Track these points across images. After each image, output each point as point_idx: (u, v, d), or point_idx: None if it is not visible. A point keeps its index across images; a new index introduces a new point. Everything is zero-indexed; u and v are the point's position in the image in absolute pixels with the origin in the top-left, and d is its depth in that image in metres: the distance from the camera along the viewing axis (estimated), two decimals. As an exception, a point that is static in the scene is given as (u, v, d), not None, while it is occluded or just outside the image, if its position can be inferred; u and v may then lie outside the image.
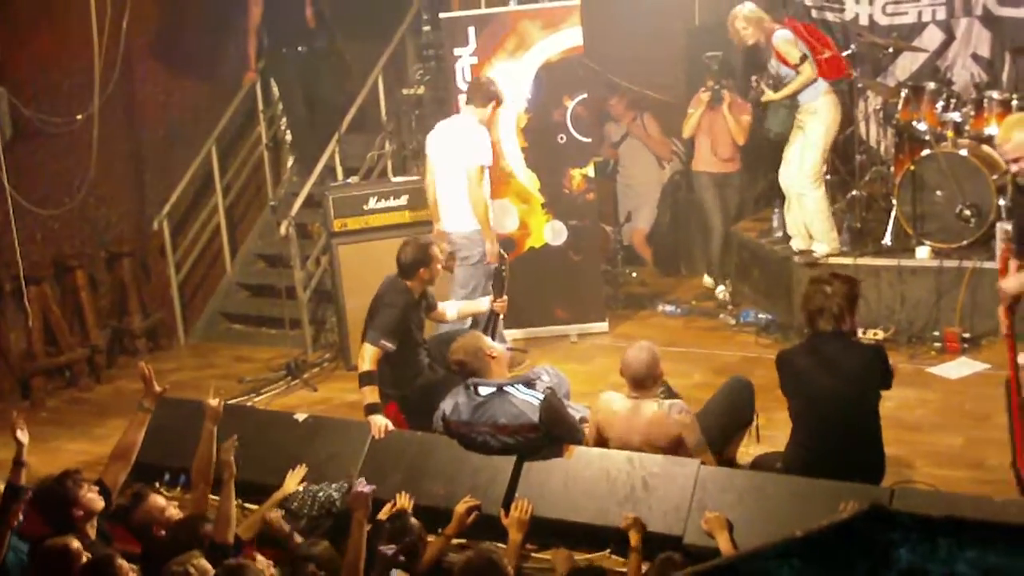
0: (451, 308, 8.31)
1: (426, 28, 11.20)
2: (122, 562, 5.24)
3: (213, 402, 6.66)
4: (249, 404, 8.83)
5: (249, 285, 11.45)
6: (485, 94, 8.85)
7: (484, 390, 6.74)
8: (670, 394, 6.89)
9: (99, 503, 5.98)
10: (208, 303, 11.38)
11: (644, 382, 6.56)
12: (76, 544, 5.40)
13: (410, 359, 7.70)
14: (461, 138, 8.84)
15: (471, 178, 8.72)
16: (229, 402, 8.58)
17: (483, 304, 8.44)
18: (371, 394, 7.23)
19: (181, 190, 10.92)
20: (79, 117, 9.89)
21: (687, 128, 10.34)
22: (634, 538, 5.95)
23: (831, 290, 6.26)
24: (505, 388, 6.70)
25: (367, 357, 7.39)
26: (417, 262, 7.64)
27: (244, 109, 11.42)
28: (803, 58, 9.07)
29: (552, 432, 6.61)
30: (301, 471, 6.78)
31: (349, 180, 10.37)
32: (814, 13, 10.69)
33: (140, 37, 10.58)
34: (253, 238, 11.62)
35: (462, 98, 9.25)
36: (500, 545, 6.16)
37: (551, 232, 9.85)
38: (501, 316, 8.29)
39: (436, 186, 9.01)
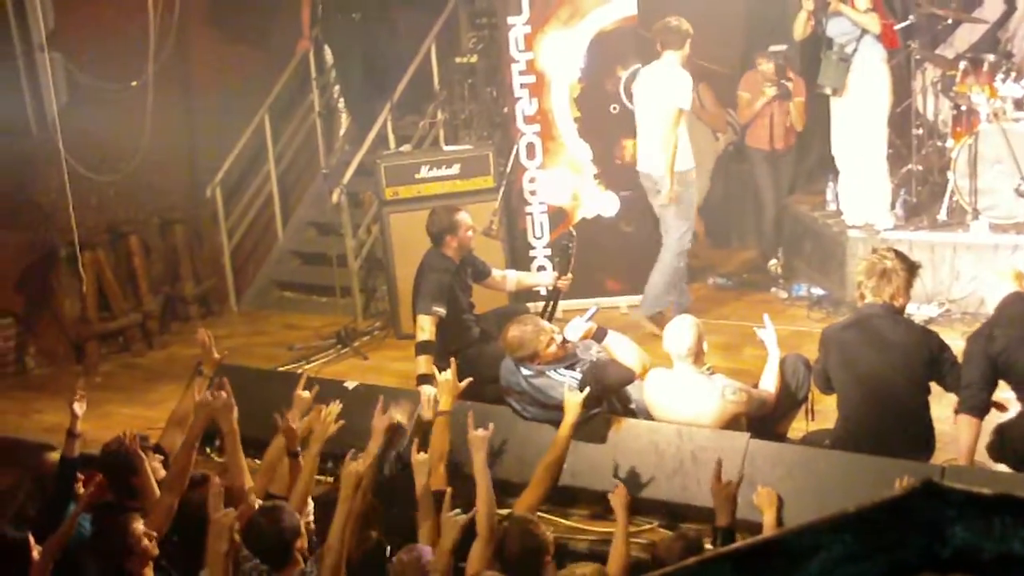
0: (511, 276, 8.37)
1: (480, -3, 11.16)
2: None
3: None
4: (299, 371, 8.87)
5: (301, 253, 11.49)
6: (681, 35, 8.99)
7: (526, 371, 6.76)
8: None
9: (161, 472, 6.01)
10: (260, 271, 11.44)
11: (687, 359, 6.53)
12: (139, 526, 5.41)
13: (457, 326, 7.72)
14: (665, 82, 9.02)
15: (670, 119, 8.94)
16: (280, 369, 8.70)
17: (545, 278, 8.49)
18: (426, 364, 7.24)
19: (234, 158, 10.95)
20: (134, 84, 9.91)
21: (746, 115, 10.27)
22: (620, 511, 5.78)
23: (891, 264, 6.21)
24: (547, 371, 6.71)
25: (424, 326, 7.45)
26: (443, 230, 7.75)
27: (297, 77, 11.42)
28: (870, 9, 9.03)
29: (605, 387, 6.58)
30: (336, 408, 6.23)
31: (401, 149, 10.37)
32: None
33: (195, 4, 10.61)
34: (305, 206, 11.64)
35: (658, 45, 9.16)
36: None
37: (603, 203, 9.81)
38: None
39: (639, 129, 9.25)
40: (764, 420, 6.63)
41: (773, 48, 10.04)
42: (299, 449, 6.08)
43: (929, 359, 6.21)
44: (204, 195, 10.85)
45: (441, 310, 7.49)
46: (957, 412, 6.18)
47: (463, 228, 7.78)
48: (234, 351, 9.17)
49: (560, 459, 6.10)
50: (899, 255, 6.35)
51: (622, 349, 6.95)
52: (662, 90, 9.04)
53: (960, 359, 6.24)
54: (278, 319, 10.72)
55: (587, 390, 6.29)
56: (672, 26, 9.04)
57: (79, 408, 6.06)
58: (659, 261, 9.24)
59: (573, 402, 6.20)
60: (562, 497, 6.41)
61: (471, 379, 6.55)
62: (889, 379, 6.19)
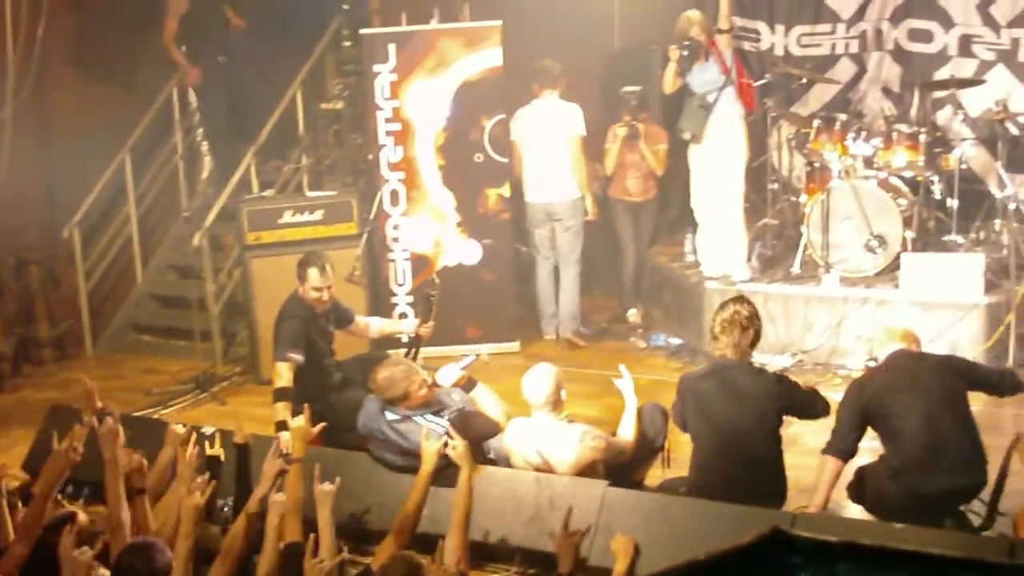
0: (374, 324, 8.38)
1: (346, 44, 11.18)
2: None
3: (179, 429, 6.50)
4: (155, 417, 8.74)
5: (160, 296, 11.33)
6: (555, 75, 9.91)
7: (391, 415, 6.77)
8: None
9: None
10: (118, 313, 11.24)
11: (545, 407, 6.60)
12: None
13: (318, 373, 7.70)
14: (558, 114, 9.93)
15: (575, 148, 9.86)
16: (135, 414, 8.56)
17: (407, 325, 8.53)
18: (283, 411, 7.19)
19: (93, 198, 10.80)
20: (-9, 122, 9.75)
21: (608, 165, 10.46)
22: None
23: (748, 315, 6.36)
24: (413, 417, 6.73)
25: (280, 373, 7.43)
26: (299, 277, 7.74)
27: (160, 118, 11.31)
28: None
29: (469, 437, 6.61)
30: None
31: (265, 193, 10.32)
32: (733, 43, 10.84)
33: (56, 43, 10.45)
34: (166, 249, 11.49)
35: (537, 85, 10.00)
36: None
37: (465, 251, 9.89)
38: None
39: (527, 162, 10.01)
40: (622, 467, 6.70)
41: (627, 89, 10.23)
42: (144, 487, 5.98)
43: (784, 407, 6.38)
44: (61, 235, 10.66)
45: (298, 356, 7.47)
46: (823, 452, 6.36)
47: (307, 284, 7.68)
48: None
49: (419, 506, 6.10)
50: (751, 305, 6.51)
51: (487, 401, 7.03)
52: (558, 122, 9.91)
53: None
54: (135, 363, 10.54)
55: (443, 439, 6.30)
56: (547, 66, 9.84)
57: None
58: (566, 282, 10.19)
59: (430, 451, 6.21)
60: (422, 544, 6.39)
61: (325, 424, 6.53)
62: (743, 429, 6.30)
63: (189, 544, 5.08)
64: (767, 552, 2.38)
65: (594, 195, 10.28)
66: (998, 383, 6.49)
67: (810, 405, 6.48)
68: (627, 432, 6.73)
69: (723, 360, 6.40)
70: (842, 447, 6.29)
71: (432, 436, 6.34)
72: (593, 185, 10.64)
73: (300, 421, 6.37)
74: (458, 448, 6.15)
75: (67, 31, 10.69)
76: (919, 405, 6.17)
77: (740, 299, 6.57)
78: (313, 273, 7.70)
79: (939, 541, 5.74)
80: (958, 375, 6.40)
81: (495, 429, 6.83)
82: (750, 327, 6.36)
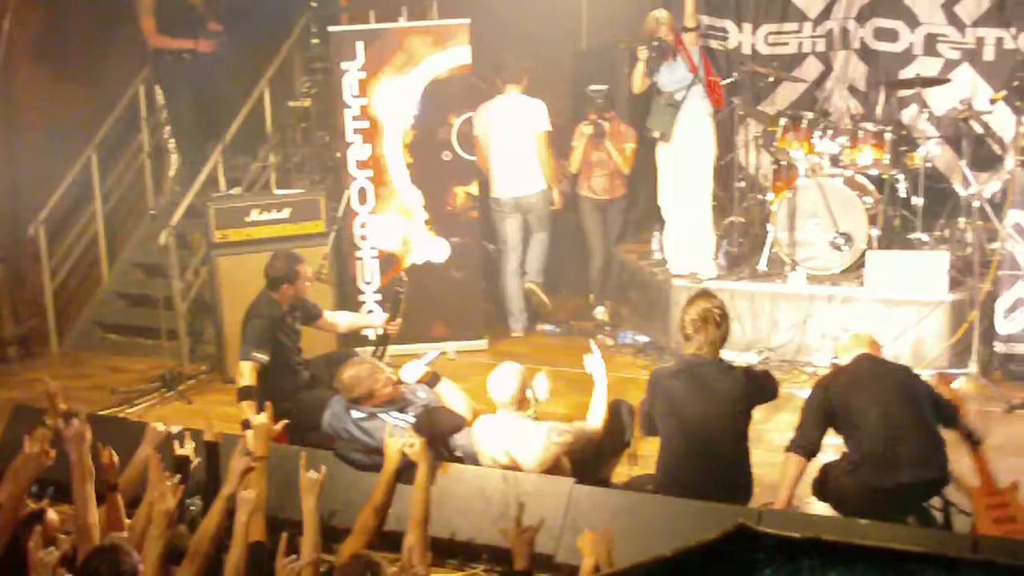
0: (342, 319, 8.41)
1: (314, 41, 11.16)
2: None
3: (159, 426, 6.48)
4: (121, 415, 8.71)
5: (126, 294, 11.28)
6: (519, 70, 10.08)
7: (357, 413, 6.78)
8: None
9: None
10: (83, 312, 11.19)
11: (510, 406, 6.62)
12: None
13: (283, 372, 7.69)
14: (520, 110, 10.09)
15: (542, 142, 10.03)
16: (100, 413, 8.52)
17: (375, 320, 8.57)
18: (248, 409, 7.19)
19: (59, 196, 10.73)
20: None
21: (573, 163, 10.50)
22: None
23: (719, 312, 6.39)
24: (378, 414, 6.74)
25: (243, 372, 7.48)
26: (280, 278, 7.73)
27: (127, 116, 11.26)
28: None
29: (435, 433, 6.62)
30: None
31: (232, 191, 10.29)
32: (700, 41, 10.89)
33: (21, 40, 10.39)
34: (132, 247, 11.43)
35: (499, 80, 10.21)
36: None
37: (433, 248, 9.90)
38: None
39: (493, 157, 10.13)
40: (587, 463, 6.72)
41: (592, 87, 10.27)
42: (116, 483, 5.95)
43: (754, 402, 6.46)
44: (27, 233, 10.60)
45: (263, 356, 7.49)
46: (787, 449, 6.39)
47: (302, 279, 7.79)
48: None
49: (384, 504, 6.10)
50: (718, 299, 6.54)
51: (452, 396, 7.04)
52: (522, 117, 10.07)
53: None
54: (101, 362, 10.49)
55: (404, 438, 6.29)
56: (509, 62, 9.99)
57: None
58: (535, 244, 10.41)
59: (394, 448, 6.21)
60: (389, 542, 6.40)
61: (287, 421, 6.53)
62: (712, 428, 6.31)
63: (159, 549, 5.06)
64: (732, 549, 2.39)
65: (561, 192, 10.34)
66: (945, 406, 6.50)
67: (771, 389, 6.58)
68: (597, 412, 6.75)
69: (695, 358, 6.41)
70: (805, 444, 6.33)
71: (396, 434, 6.35)
72: (562, 183, 10.67)
73: (262, 419, 6.36)
74: (416, 447, 6.14)
75: (33, 27, 10.63)
76: (879, 402, 6.23)
77: (707, 294, 6.59)
78: (305, 268, 7.82)
79: (902, 537, 5.79)
80: (919, 380, 6.50)
81: (460, 424, 6.84)
82: (723, 323, 6.40)
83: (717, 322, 6.36)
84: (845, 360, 6.57)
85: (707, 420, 6.31)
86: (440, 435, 6.76)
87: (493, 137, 10.11)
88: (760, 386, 6.50)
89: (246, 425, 7.07)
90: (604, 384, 6.83)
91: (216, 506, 5.48)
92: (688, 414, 6.34)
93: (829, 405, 6.31)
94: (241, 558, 5.37)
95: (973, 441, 6.39)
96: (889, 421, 6.18)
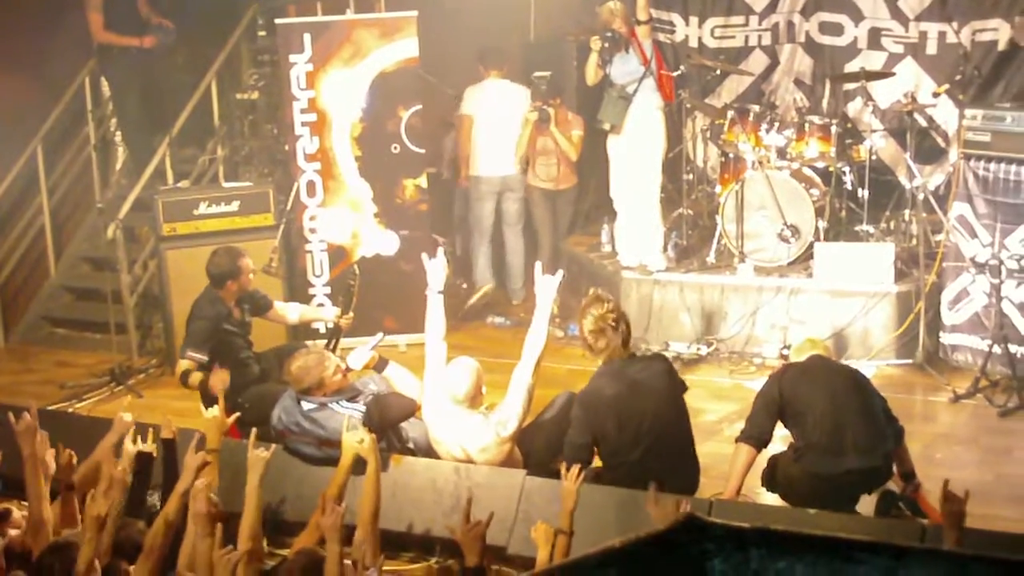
0: (292, 310, 8.40)
1: (262, 33, 11.13)
2: None
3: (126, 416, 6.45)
4: (71, 411, 8.65)
5: (74, 288, 11.19)
6: (501, 57, 10.45)
7: (307, 404, 6.77)
8: None
9: None
10: (30, 306, 11.08)
11: (463, 402, 6.64)
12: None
13: (234, 366, 7.67)
14: (508, 94, 10.45)
15: (527, 126, 10.27)
16: (49, 408, 8.46)
17: (327, 313, 8.55)
18: (194, 378, 7.38)
19: (4, 190, 10.64)
20: None
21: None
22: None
23: (615, 315, 6.45)
24: (328, 404, 6.73)
25: (183, 366, 7.58)
26: (223, 275, 7.73)
27: (73, 108, 11.16)
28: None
29: (385, 420, 6.63)
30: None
31: (180, 184, 10.24)
32: (652, 35, 10.93)
33: (-36, 32, 10.29)
34: (79, 240, 11.35)
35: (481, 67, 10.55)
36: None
37: (383, 241, 9.89)
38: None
39: (479, 137, 10.47)
40: (541, 455, 6.75)
41: (537, 74, 10.30)
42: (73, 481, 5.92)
43: (680, 381, 6.62)
44: (-29, 227, 10.51)
45: (201, 357, 7.53)
46: (737, 440, 6.46)
47: (245, 273, 7.78)
48: (1, 389, 8.92)
49: (339, 497, 6.10)
50: (610, 300, 6.56)
51: (401, 378, 7.05)
52: (511, 101, 10.40)
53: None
54: (49, 356, 10.41)
55: (363, 433, 6.28)
56: (494, 49, 10.36)
57: None
58: (514, 245, 10.74)
59: (350, 442, 6.22)
60: (345, 535, 6.40)
61: (239, 414, 6.52)
62: (656, 420, 6.38)
63: (90, 552, 5.01)
64: (682, 539, 2.42)
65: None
66: (894, 420, 6.57)
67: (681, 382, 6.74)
68: (539, 330, 6.73)
69: (610, 364, 6.48)
70: (755, 434, 6.40)
71: (353, 426, 6.35)
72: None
73: (214, 412, 6.35)
74: (365, 442, 6.14)
75: (-24, 19, 10.52)
76: (828, 391, 6.34)
77: (597, 300, 6.56)
78: (247, 262, 7.83)
79: (851, 526, 5.86)
80: (871, 384, 6.62)
81: (411, 407, 6.85)
82: (619, 324, 6.43)
83: (614, 326, 6.41)
84: (798, 360, 6.67)
85: (650, 414, 6.38)
86: (391, 422, 6.77)
87: (480, 118, 10.39)
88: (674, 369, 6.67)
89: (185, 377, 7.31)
90: (547, 308, 6.77)
91: (171, 502, 5.46)
92: (632, 415, 6.38)
93: (779, 396, 6.39)
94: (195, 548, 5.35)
95: (913, 484, 6.47)
96: (834, 410, 6.27)
